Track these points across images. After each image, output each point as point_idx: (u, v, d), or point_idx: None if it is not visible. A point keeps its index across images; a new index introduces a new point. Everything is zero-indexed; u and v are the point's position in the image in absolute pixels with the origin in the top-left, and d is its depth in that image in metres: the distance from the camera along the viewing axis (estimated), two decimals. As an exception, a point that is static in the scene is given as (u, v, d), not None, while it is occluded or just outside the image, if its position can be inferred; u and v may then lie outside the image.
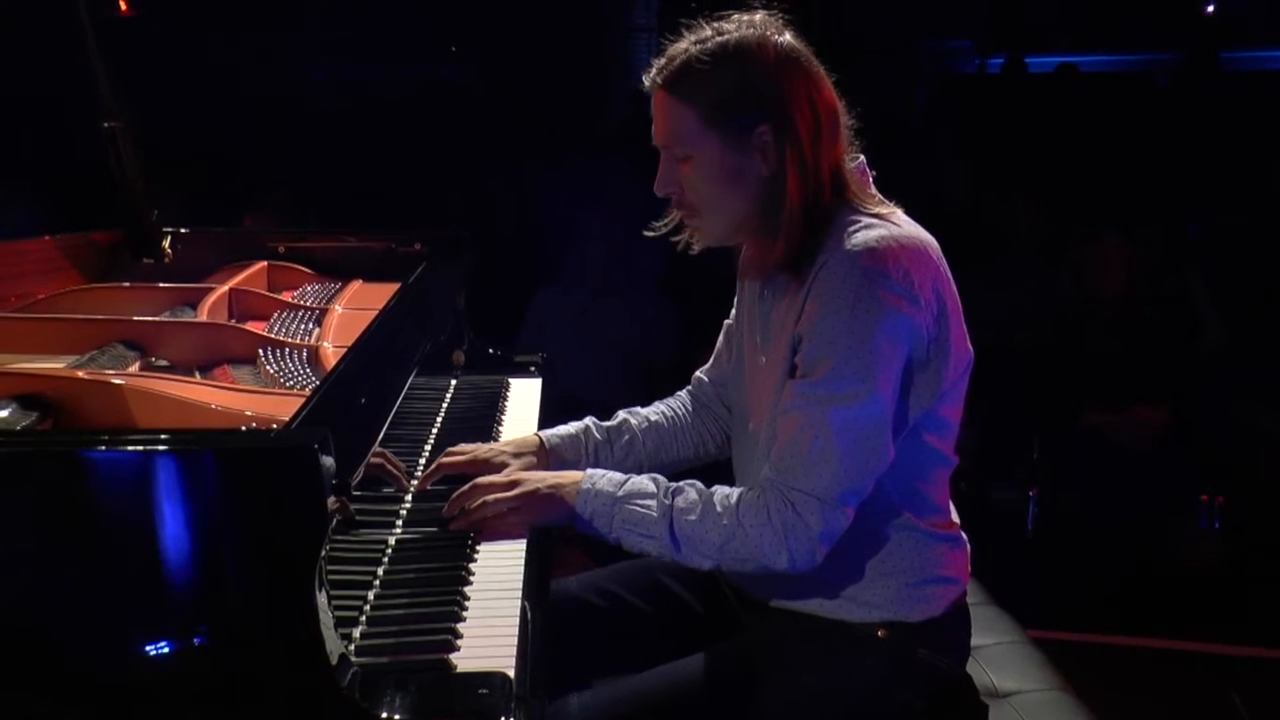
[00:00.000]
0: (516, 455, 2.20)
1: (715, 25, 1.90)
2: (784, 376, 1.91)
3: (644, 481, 1.96)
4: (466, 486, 2.01)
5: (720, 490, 1.93)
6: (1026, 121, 7.79)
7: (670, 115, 1.91)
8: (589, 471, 2.00)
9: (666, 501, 1.91)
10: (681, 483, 1.95)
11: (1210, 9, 11.53)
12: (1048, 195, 5.23)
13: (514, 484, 2.00)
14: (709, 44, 1.87)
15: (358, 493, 1.88)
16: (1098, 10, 11.69)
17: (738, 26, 1.88)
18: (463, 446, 2.22)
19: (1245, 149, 6.32)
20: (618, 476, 1.98)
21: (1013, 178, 5.71)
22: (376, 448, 1.99)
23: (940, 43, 11.95)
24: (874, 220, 1.86)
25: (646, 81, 1.94)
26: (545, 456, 2.22)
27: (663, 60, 1.91)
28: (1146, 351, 4.27)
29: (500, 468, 2.14)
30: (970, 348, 1.94)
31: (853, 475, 1.82)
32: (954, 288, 1.90)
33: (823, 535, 1.83)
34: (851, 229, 1.84)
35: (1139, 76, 10.38)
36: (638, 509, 1.92)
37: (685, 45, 1.89)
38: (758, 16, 1.90)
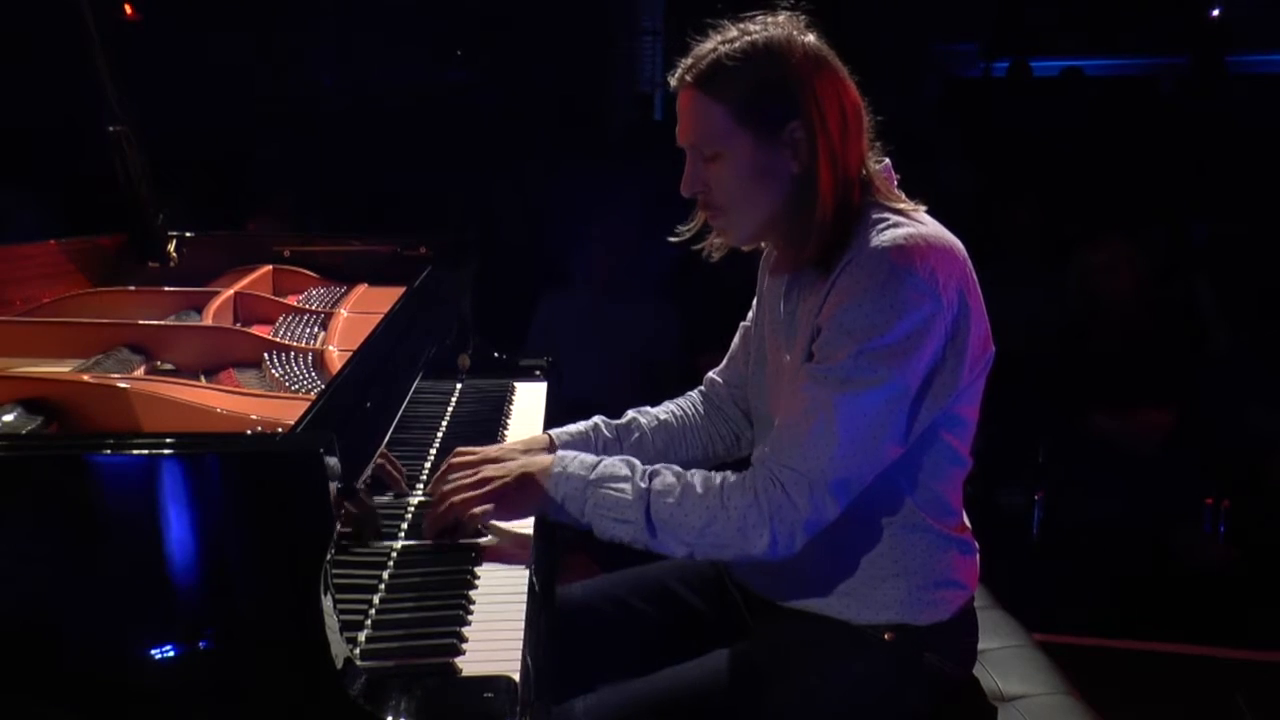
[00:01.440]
0: (526, 452, 2.17)
1: (741, 26, 1.90)
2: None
3: (617, 464, 1.92)
4: (439, 498, 1.97)
5: (699, 473, 1.90)
6: (1031, 125, 7.79)
7: (700, 113, 1.89)
8: (559, 454, 1.97)
9: (643, 484, 1.88)
10: (657, 465, 1.93)
11: (1215, 13, 11.52)
12: (1053, 199, 5.23)
13: (483, 482, 1.96)
14: (738, 43, 1.87)
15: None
16: (1102, 15, 11.68)
17: (764, 26, 1.89)
18: (471, 449, 2.21)
19: (1250, 153, 6.31)
20: (589, 459, 1.94)
21: (1017, 181, 5.71)
22: (381, 451, 1.99)
23: (945, 46, 11.95)
24: (902, 218, 1.86)
25: (673, 81, 1.93)
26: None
27: (690, 60, 1.91)
28: (1152, 355, 4.27)
29: None
30: (992, 345, 1.93)
31: (848, 464, 1.80)
32: (978, 288, 1.90)
33: (808, 522, 1.81)
34: (880, 226, 1.84)
35: (1143, 81, 10.38)
36: (611, 492, 1.88)
37: (713, 45, 1.89)
38: (782, 17, 1.90)
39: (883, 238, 1.81)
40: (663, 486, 1.87)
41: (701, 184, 1.94)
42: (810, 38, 1.89)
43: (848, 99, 1.88)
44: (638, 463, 1.93)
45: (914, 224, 1.85)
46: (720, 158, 1.89)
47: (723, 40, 1.88)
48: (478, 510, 1.92)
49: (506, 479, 1.95)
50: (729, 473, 1.90)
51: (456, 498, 1.93)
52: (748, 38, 1.87)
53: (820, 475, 1.80)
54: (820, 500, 1.80)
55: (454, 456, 2.15)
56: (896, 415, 1.82)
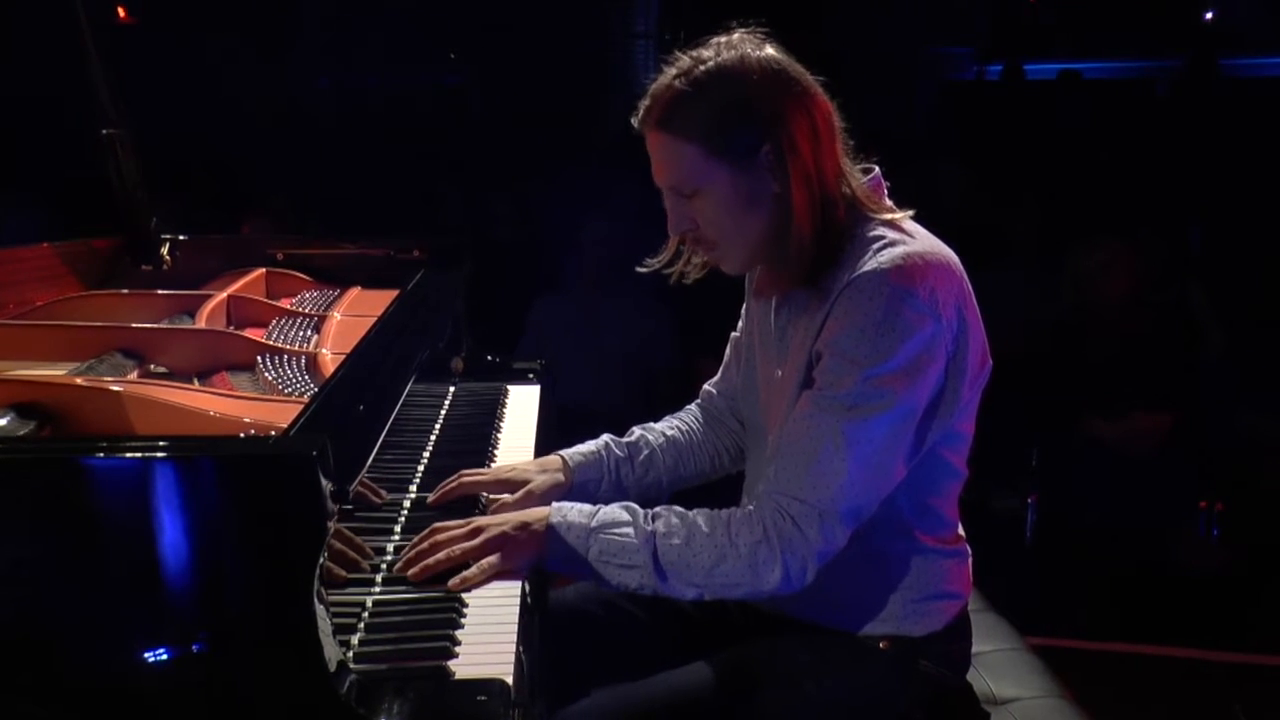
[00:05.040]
0: (541, 473, 2.14)
1: (693, 54, 1.85)
2: (800, 389, 1.87)
3: (617, 510, 1.88)
4: (425, 533, 1.88)
5: (702, 511, 1.86)
6: (1026, 128, 7.79)
7: (670, 154, 1.85)
8: (555, 505, 1.91)
9: (647, 527, 1.83)
10: (658, 508, 1.88)
11: (1209, 16, 11.54)
12: (1048, 202, 5.23)
13: (476, 532, 1.87)
14: (692, 74, 1.81)
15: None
16: (1097, 18, 11.69)
17: (716, 50, 1.84)
18: (481, 470, 2.16)
19: (1246, 156, 6.31)
20: (588, 508, 1.89)
21: (1012, 184, 5.71)
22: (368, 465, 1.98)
23: (940, 49, 11.96)
24: (895, 233, 1.83)
25: (636, 123, 1.89)
26: (569, 474, 2.16)
27: (648, 100, 1.86)
28: (1146, 358, 4.27)
29: (522, 485, 2.10)
30: (989, 360, 1.91)
31: (858, 492, 1.78)
32: (974, 301, 1.87)
33: (820, 552, 1.78)
34: (877, 245, 1.81)
35: (1139, 84, 10.39)
36: (615, 538, 1.83)
37: (668, 81, 1.84)
38: (735, 36, 1.86)
39: (881, 258, 1.78)
40: (667, 528, 1.83)
41: (689, 222, 1.90)
42: (767, 51, 1.84)
43: (816, 108, 1.83)
44: (637, 507, 1.89)
45: (908, 240, 1.82)
46: (701, 194, 1.85)
47: (677, 74, 1.83)
48: (485, 564, 1.83)
49: (505, 529, 1.88)
50: (734, 509, 1.86)
51: (456, 549, 1.84)
52: (701, 67, 1.82)
53: (830, 505, 1.77)
54: (830, 530, 1.77)
55: (464, 475, 2.12)
56: (904, 438, 1.80)
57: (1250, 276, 5.13)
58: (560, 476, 2.15)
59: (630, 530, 1.84)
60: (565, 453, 2.22)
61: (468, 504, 2.08)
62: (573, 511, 1.89)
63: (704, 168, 1.82)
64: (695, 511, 1.87)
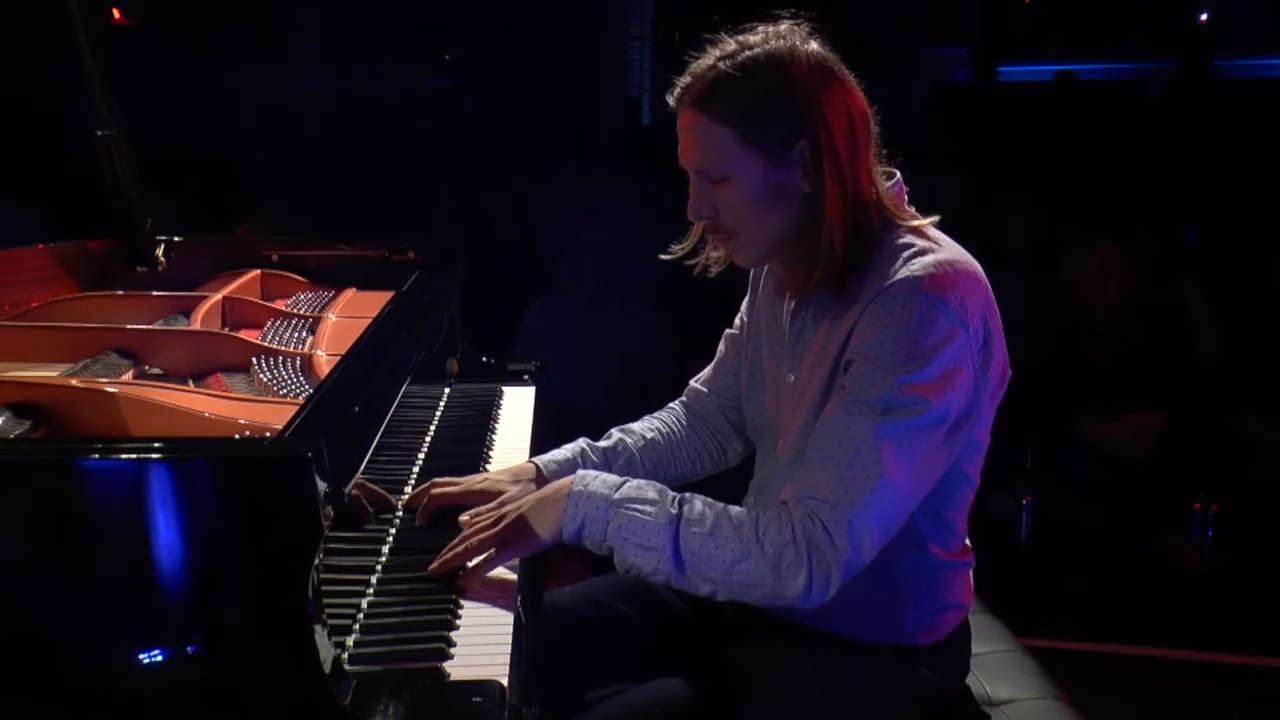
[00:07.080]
0: (514, 483, 2.09)
1: (740, 38, 1.80)
2: (822, 396, 1.84)
3: (643, 486, 1.80)
4: (458, 539, 1.86)
5: (731, 506, 1.80)
6: (1019, 130, 7.80)
7: (703, 137, 1.80)
8: (580, 472, 1.84)
9: (673, 510, 1.75)
10: (687, 494, 1.81)
11: (1203, 18, 11.56)
12: (1042, 204, 5.23)
13: (500, 519, 1.85)
14: (738, 58, 1.77)
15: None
16: (1091, 19, 11.71)
17: (765, 38, 1.79)
18: (453, 479, 2.11)
19: (1241, 156, 6.33)
20: (612, 478, 1.82)
21: (1007, 186, 5.71)
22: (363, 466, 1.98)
23: (935, 51, 11.97)
24: (925, 243, 1.80)
25: (672, 101, 1.84)
26: (543, 484, 2.08)
27: (688, 78, 1.81)
28: (1141, 360, 4.27)
29: (496, 496, 2.03)
30: (1009, 371, 1.88)
31: (890, 499, 1.71)
32: (997, 310, 1.83)
33: (846, 563, 1.69)
34: (907, 253, 1.78)
35: (1133, 85, 10.42)
36: (637, 514, 1.75)
37: (711, 61, 1.79)
38: (783, 25, 1.81)
39: (912, 266, 1.75)
40: (693, 515, 1.76)
41: (710, 208, 1.85)
42: (813, 46, 1.80)
43: (855, 109, 1.80)
44: (665, 487, 1.82)
45: (937, 248, 1.80)
46: (729, 181, 1.80)
47: (721, 55, 1.79)
48: (492, 553, 1.82)
49: (522, 507, 1.84)
50: (762, 510, 1.79)
51: (474, 540, 1.83)
52: (748, 52, 1.77)
53: (862, 510, 1.70)
54: (858, 539, 1.70)
55: (435, 488, 2.07)
56: (936, 446, 1.75)
57: (1246, 277, 5.13)
58: (533, 488, 2.06)
59: (654, 509, 1.76)
60: (539, 460, 2.16)
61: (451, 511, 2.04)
62: (596, 481, 1.82)
63: (735, 154, 1.78)
64: (724, 505, 1.80)
